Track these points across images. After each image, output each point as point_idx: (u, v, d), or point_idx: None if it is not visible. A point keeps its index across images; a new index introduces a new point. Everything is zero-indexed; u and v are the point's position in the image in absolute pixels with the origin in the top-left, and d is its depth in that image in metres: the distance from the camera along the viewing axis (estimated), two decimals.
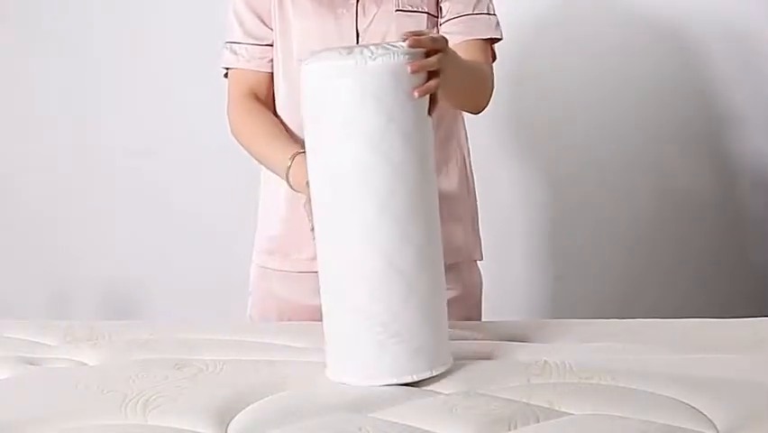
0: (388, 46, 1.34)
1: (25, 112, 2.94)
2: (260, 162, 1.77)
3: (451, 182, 1.79)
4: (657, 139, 2.74)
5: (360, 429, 1.15)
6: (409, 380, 1.33)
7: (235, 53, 1.80)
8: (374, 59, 1.31)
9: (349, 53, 1.32)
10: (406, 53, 1.34)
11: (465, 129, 1.85)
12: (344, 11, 1.71)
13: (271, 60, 1.78)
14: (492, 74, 1.76)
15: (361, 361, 1.33)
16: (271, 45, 1.78)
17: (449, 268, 1.75)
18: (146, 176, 2.88)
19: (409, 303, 1.33)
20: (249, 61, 1.79)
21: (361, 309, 1.33)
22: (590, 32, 2.70)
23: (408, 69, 1.33)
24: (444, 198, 1.76)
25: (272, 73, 1.79)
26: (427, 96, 1.37)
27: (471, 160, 1.86)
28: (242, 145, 1.78)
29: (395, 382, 1.33)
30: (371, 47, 1.33)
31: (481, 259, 1.87)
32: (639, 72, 2.71)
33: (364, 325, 1.32)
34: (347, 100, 1.31)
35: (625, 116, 2.73)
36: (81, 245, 2.94)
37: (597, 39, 2.70)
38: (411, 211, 1.33)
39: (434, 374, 1.35)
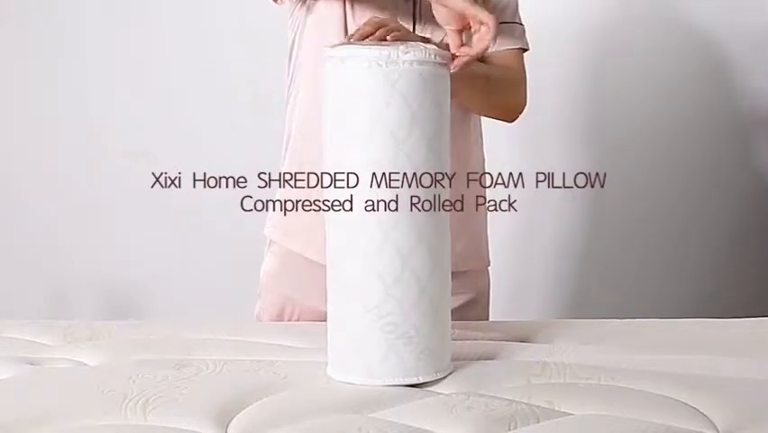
0: (419, 47, 1.32)
1: (25, 112, 2.94)
2: None
3: (469, 189, 1.77)
4: (660, 140, 2.74)
5: (360, 429, 1.15)
6: (414, 381, 1.33)
7: None
8: (405, 56, 1.30)
9: (379, 49, 1.31)
10: (436, 57, 1.33)
11: (482, 136, 1.85)
12: (403, 16, 1.68)
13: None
14: (524, 80, 1.77)
15: (368, 360, 1.33)
16: None
17: (464, 273, 1.77)
18: (146, 176, 2.87)
19: (420, 304, 1.33)
20: None
21: (372, 308, 1.32)
22: (606, 33, 2.70)
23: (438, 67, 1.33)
24: (464, 204, 1.77)
25: None
26: (449, 102, 1.37)
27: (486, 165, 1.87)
28: None
29: (400, 382, 1.33)
30: (401, 46, 1.32)
31: (489, 264, 1.87)
32: (642, 73, 2.71)
33: (375, 324, 1.32)
34: (374, 97, 1.30)
35: (628, 117, 2.73)
36: (81, 245, 2.94)
37: (611, 39, 2.70)
38: (427, 213, 1.33)
39: (438, 377, 1.35)
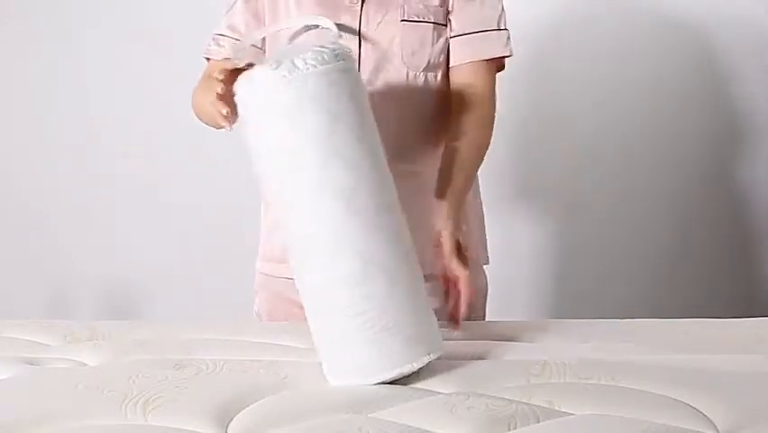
0: (316, 49, 1.35)
1: (25, 112, 2.94)
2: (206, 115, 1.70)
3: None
4: (659, 140, 2.74)
5: (360, 429, 1.15)
6: (409, 370, 1.33)
7: (219, 45, 1.78)
8: (307, 62, 1.33)
9: (279, 65, 1.33)
10: (336, 53, 1.35)
11: None
12: (349, 18, 1.69)
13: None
14: (493, 99, 1.74)
15: (358, 360, 1.33)
16: (260, 48, 1.75)
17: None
18: (146, 176, 2.88)
19: (394, 294, 1.33)
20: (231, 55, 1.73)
21: (346, 309, 1.32)
22: (607, 33, 2.70)
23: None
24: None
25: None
26: (364, 93, 1.41)
27: None
28: (196, 109, 1.73)
29: (396, 374, 1.32)
30: (302, 55, 1.33)
31: (487, 263, 1.86)
32: (637, 74, 2.71)
33: (353, 324, 1.32)
34: (285, 111, 1.32)
35: (627, 117, 2.73)
36: (81, 245, 2.94)
37: (612, 39, 2.70)
38: (376, 204, 1.34)
39: (432, 359, 1.35)
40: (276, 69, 1.33)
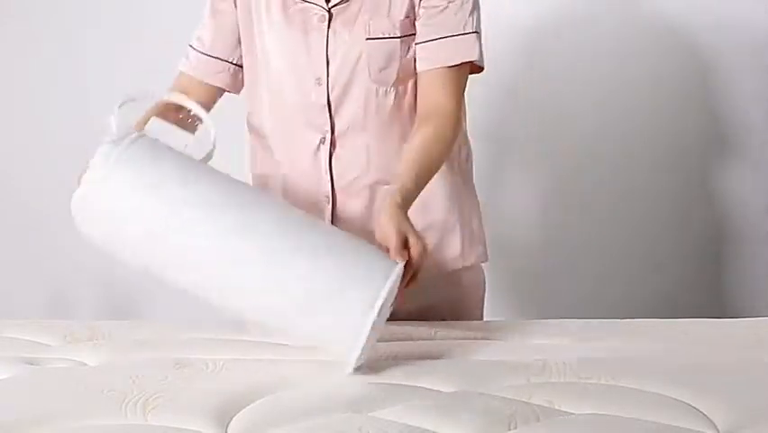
0: (103, 151, 1.57)
1: (26, 111, 2.94)
2: None
3: (454, 185, 1.76)
4: (658, 139, 2.74)
5: (360, 429, 1.15)
6: (384, 299, 1.32)
7: (187, 57, 1.82)
8: (120, 147, 1.54)
9: (102, 155, 1.54)
10: (133, 139, 1.53)
11: (466, 131, 1.81)
12: (316, 34, 1.67)
13: (221, 74, 1.77)
14: (455, 107, 1.65)
15: (340, 332, 1.34)
16: (226, 61, 1.77)
17: (452, 272, 1.76)
18: None
19: (318, 269, 1.36)
20: (195, 68, 1.80)
21: (290, 308, 1.36)
22: (607, 33, 2.70)
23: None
24: (447, 201, 1.76)
25: (216, 87, 1.79)
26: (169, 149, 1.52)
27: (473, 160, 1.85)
28: None
29: (376, 314, 1.31)
30: (108, 145, 1.56)
31: (486, 261, 1.85)
32: (637, 74, 2.71)
33: (306, 319, 1.36)
34: (145, 180, 1.52)
35: (625, 117, 2.73)
36: (81, 245, 2.93)
37: (612, 39, 2.70)
38: (244, 219, 1.41)
39: (397, 277, 1.35)
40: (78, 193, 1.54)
